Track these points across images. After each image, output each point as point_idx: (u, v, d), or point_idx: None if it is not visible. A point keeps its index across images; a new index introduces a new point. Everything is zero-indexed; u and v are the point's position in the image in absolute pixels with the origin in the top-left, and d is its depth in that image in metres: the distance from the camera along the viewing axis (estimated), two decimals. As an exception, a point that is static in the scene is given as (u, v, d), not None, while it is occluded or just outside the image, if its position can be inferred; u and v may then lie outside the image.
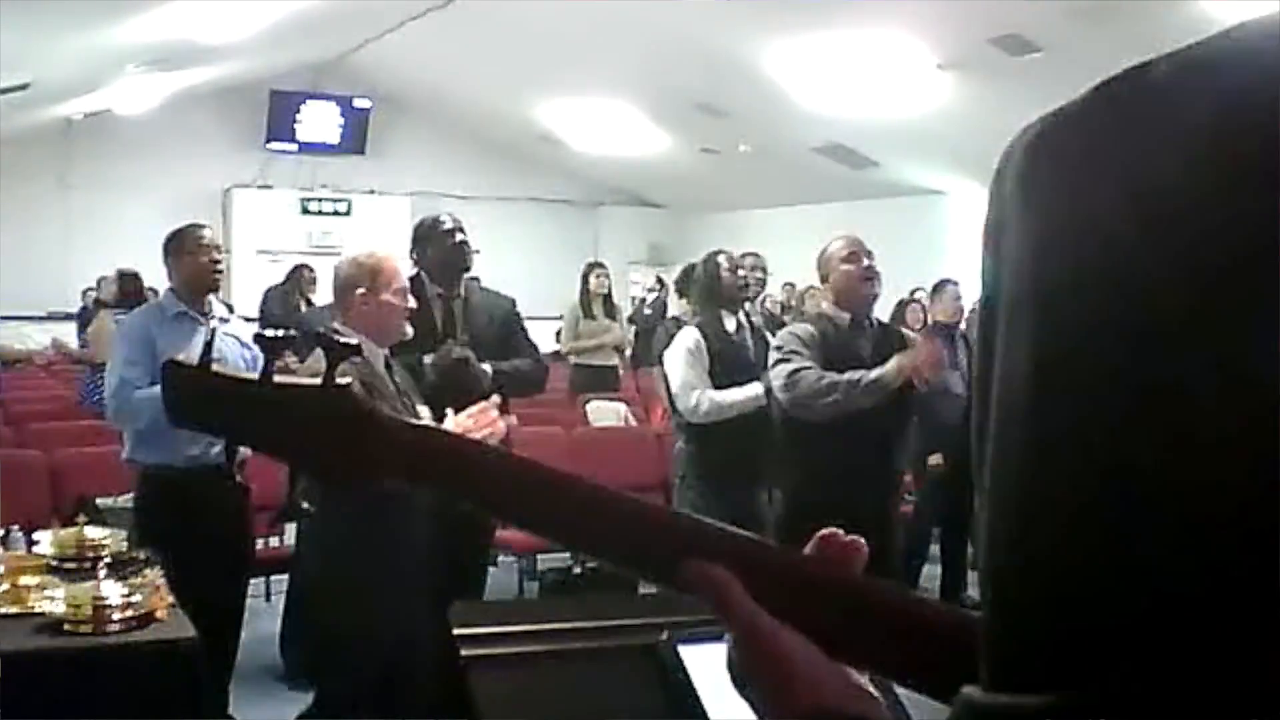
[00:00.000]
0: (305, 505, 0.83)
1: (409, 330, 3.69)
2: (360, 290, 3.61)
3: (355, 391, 0.81)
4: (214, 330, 4.29)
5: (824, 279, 4.33)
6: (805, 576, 0.74)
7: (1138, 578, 0.46)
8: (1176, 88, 0.50)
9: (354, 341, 0.89)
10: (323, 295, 9.23)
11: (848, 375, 4.01)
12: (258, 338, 0.87)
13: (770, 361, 4.22)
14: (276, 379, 0.81)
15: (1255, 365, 0.45)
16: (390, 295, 3.63)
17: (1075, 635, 0.48)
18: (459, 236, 4.43)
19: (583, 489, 0.78)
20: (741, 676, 0.73)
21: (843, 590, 0.74)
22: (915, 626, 0.71)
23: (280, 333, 0.88)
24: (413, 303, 3.73)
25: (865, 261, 4.21)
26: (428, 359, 4.11)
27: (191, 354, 0.79)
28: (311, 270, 10.41)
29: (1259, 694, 0.44)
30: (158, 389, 3.40)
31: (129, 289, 8.69)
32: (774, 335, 4.45)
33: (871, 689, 0.73)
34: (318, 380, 0.80)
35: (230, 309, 5.28)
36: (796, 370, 4.07)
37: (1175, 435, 0.46)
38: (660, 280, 13.29)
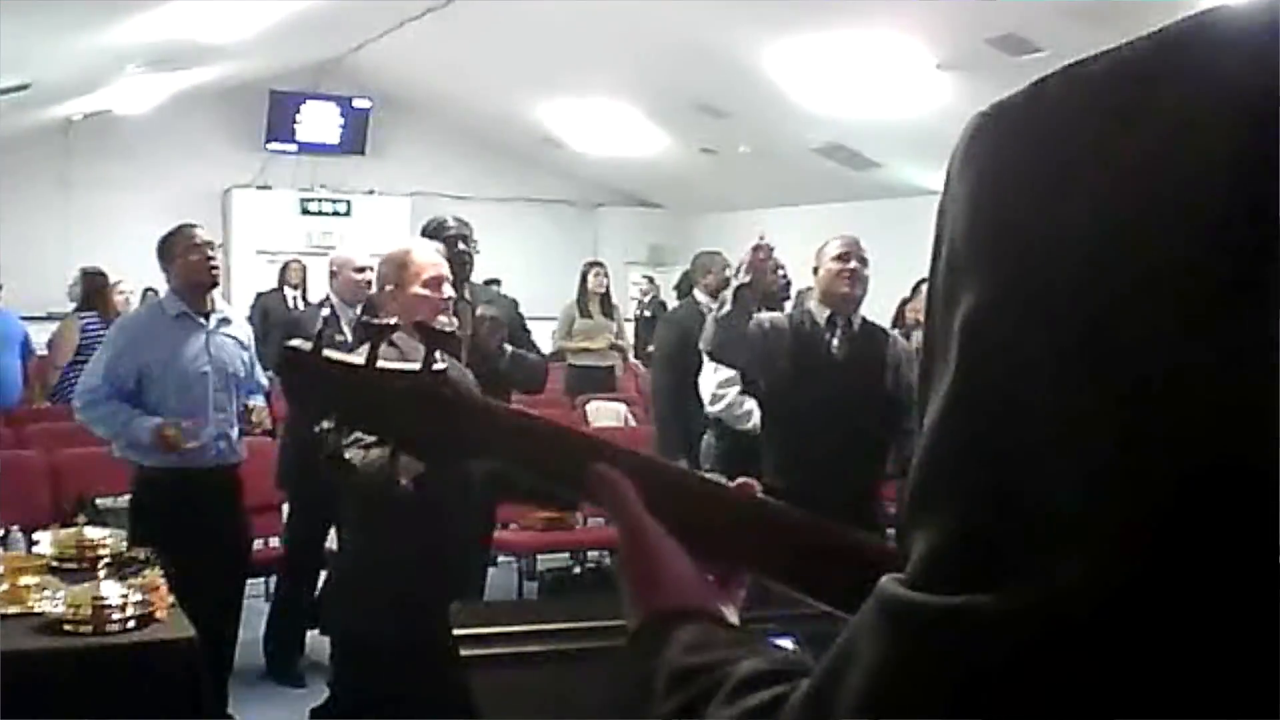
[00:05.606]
0: (403, 482, 0.92)
1: (446, 322, 3.59)
2: (389, 286, 3.61)
3: (452, 375, 0.89)
4: (209, 333, 4.29)
5: (814, 272, 4.45)
6: (696, 488, 0.83)
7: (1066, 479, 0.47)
8: (1114, 82, 0.51)
9: (392, 321, 0.99)
10: (313, 293, 9.24)
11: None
12: (361, 325, 0.96)
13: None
14: (380, 364, 0.89)
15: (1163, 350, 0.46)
16: (419, 287, 3.57)
17: (1015, 532, 0.48)
18: (460, 246, 4.52)
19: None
20: (619, 570, 0.80)
21: (728, 501, 0.82)
22: (805, 538, 0.80)
23: (381, 321, 0.98)
24: (449, 292, 3.66)
25: (851, 264, 4.30)
26: (464, 332, 4.18)
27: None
28: (299, 263, 10.48)
29: (1206, 594, 0.45)
30: (118, 409, 3.46)
31: (89, 289, 7.97)
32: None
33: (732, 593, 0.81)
34: (416, 365, 0.88)
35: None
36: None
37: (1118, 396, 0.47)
38: (650, 279, 13.32)
